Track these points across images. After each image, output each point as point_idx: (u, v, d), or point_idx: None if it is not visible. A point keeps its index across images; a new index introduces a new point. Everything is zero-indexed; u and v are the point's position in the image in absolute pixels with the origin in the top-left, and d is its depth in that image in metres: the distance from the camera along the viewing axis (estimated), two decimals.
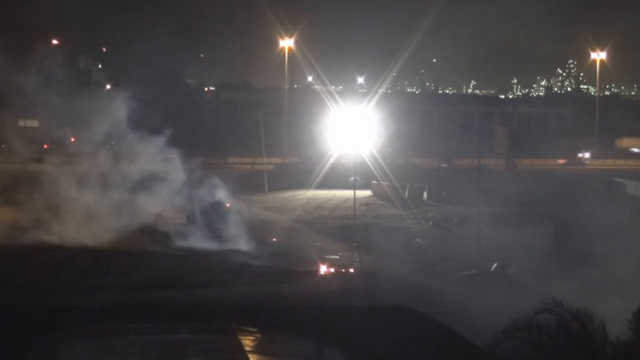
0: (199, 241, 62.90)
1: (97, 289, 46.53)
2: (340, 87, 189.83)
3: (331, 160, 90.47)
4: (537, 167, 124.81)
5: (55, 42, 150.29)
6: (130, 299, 44.44)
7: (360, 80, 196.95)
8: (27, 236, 61.07)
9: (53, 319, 24.99)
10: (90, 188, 68.72)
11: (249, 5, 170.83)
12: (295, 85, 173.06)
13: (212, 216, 67.00)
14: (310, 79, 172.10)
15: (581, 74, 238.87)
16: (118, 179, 69.75)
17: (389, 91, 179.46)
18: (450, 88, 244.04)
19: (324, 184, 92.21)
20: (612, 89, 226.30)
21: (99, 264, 55.15)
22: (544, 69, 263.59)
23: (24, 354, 22.53)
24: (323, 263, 57.06)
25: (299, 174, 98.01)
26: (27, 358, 22.30)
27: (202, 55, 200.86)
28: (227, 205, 71.46)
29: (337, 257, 60.42)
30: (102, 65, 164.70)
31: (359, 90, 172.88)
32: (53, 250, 58.48)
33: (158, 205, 68.64)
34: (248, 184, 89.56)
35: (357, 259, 59.55)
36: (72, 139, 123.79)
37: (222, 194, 68.80)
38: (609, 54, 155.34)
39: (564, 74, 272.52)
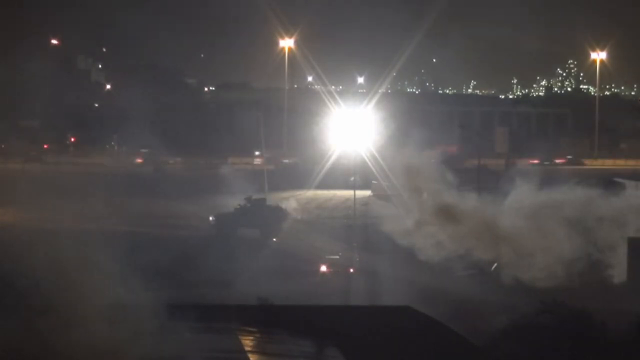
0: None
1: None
2: (340, 87, 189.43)
3: (331, 160, 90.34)
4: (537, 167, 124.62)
5: (55, 42, 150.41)
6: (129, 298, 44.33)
7: (360, 80, 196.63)
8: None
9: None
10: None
11: (249, 5, 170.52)
12: (295, 85, 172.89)
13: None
14: (310, 79, 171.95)
15: (581, 74, 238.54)
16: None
17: (389, 91, 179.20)
18: (450, 88, 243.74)
19: (324, 184, 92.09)
20: (612, 89, 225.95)
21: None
22: (544, 69, 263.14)
23: None
24: (323, 263, 57.10)
25: (299, 174, 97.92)
26: None
27: (202, 55, 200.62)
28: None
29: (337, 257, 60.43)
30: (102, 65, 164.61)
31: (359, 90, 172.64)
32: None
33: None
34: (248, 184, 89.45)
35: (357, 259, 59.58)
36: (72, 139, 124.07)
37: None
38: (609, 54, 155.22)
39: (564, 74, 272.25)
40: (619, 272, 54.70)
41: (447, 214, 59.26)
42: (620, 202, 60.01)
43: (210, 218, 71.31)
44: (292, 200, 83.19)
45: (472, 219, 58.49)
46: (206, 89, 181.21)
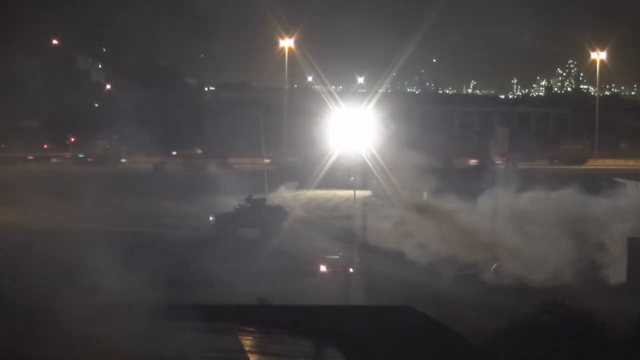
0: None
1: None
2: (340, 87, 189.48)
3: (331, 160, 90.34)
4: (537, 168, 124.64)
5: (55, 42, 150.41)
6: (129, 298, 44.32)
7: (360, 80, 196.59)
8: None
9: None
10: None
11: (249, 5, 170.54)
12: (295, 85, 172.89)
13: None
14: (310, 79, 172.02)
15: (581, 74, 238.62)
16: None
17: (389, 91, 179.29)
18: (450, 88, 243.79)
19: (324, 184, 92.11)
20: (612, 89, 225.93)
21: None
22: (544, 69, 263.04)
23: None
24: (323, 263, 57.10)
25: (299, 174, 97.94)
26: None
27: (202, 56, 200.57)
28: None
29: (337, 257, 60.43)
30: (102, 65, 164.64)
31: (359, 90, 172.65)
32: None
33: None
34: (248, 184, 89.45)
35: (357, 259, 59.57)
36: (72, 139, 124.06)
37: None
38: (609, 54, 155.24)
39: (564, 74, 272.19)
40: (617, 272, 54.71)
41: (427, 213, 59.51)
42: (618, 202, 60.03)
43: (210, 218, 71.11)
44: (286, 195, 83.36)
45: (457, 219, 58.66)
46: (206, 89, 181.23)
